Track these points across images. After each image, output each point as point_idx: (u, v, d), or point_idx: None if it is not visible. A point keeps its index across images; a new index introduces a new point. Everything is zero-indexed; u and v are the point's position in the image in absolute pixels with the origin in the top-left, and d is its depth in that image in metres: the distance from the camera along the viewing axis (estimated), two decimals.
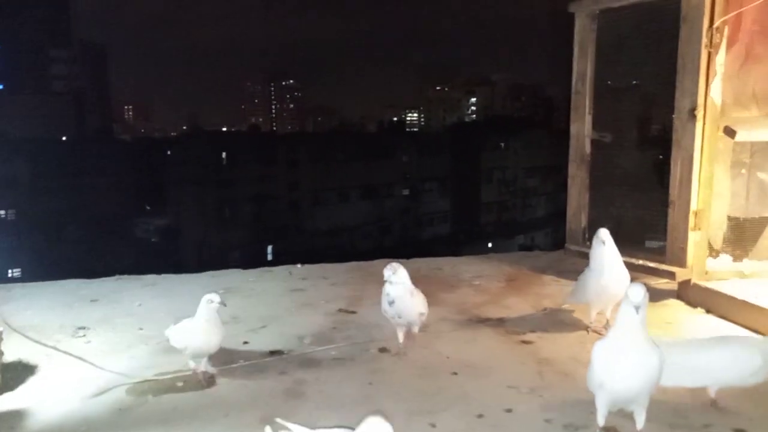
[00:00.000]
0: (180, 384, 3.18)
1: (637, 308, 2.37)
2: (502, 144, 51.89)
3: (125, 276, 5.44)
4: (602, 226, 5.03)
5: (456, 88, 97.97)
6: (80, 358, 3.42)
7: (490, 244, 42.83)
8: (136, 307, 4.52)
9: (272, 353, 3.54)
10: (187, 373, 3.28)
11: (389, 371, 3.30)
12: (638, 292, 2.40)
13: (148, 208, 42.52)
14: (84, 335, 3.94)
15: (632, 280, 3.47)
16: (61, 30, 66.77)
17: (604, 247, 3.72)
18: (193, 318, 3.27)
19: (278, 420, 2.17)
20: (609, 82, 5.00)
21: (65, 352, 3.51)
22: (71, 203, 35.70)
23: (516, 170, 52.20)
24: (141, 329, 4.03)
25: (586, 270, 3.88)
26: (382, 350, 3.57)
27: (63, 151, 39.88)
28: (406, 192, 46.49)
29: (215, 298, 3.23)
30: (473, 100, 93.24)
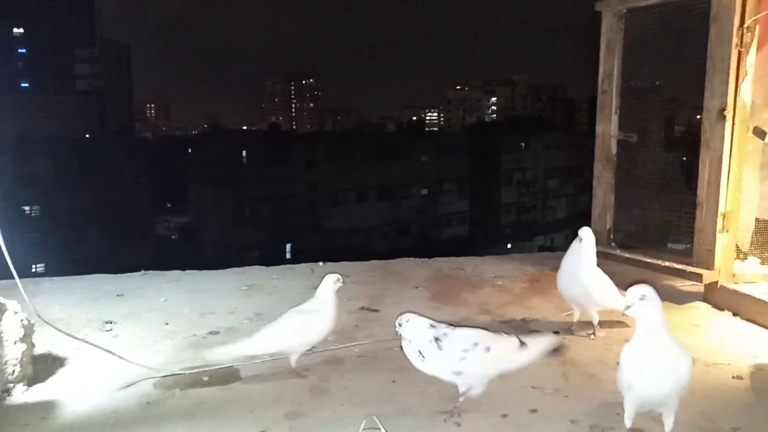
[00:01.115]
0: (206, 378, 3.21)
1: (626, 308, 2.38)
2: (522, 145, 51.62)
3: (150, 272, 5.51)
4: (628, 227, 5.03)
5: (476, 87, 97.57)
6: (109, 351, 3.47)
7: (509, 245, 42.62)
8: (161, 303, 4.57)
9: None
10: (213, 368, 3.31)
11: (413, 370, 3.26)
12: (631, 293, 2.38)
13: (169, 205, 42.97)
14: (111, 329, 4.00)
15: (657, 282, 3.44)
16: (85, 30, 67.66)
17: (580, 245, 3.66)
18: (312, 302, 3.23)
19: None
20: (635, 83, 4.95)
21: (94, 345, 3.56)
22: (93, 200, 36.19)
23: (536, 171, 51.90)
24: (167, 324, 4.08)
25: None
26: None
27: (86, 149, 40.44)
28: (424, 192, 46.42)
29: (339, 277, 3.24)
30: (493, 100, 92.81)
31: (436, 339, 2.69)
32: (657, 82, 5.00)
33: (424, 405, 2.92)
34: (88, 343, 3.49)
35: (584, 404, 2.91)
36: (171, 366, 3.36)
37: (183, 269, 5.58)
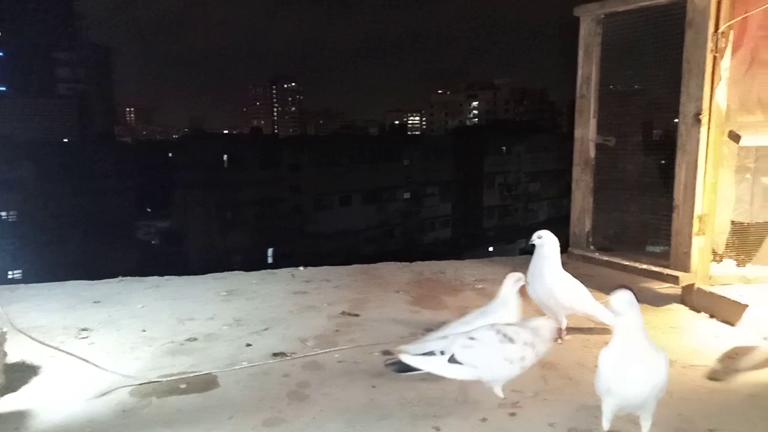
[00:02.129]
0: (183, 386, 3.17)
1: (617, 314, 2.36)
2: (505, 148, 51.90)
3: (128, 278, 5.44)
4: (606, 230, 5.07)
5: (459, 91, 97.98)
6: (84, 360, 3.42)
7: (491, 248, 42.78)
8: (140, 309, 4.52)
9: (275, 356, 3.54)
10: (191, 374, 3.27)
11: (393, 375, 3.26)
12: (620, 299, 2.35)
13: (149, 210, 42.57)
14: (87, 336, 3.94)
15: (635, 284, 3.46)
16: (66, 33, 66.91)
17: (542, 249, 3.63)
18: (496, 303, 3.18)
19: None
20: (616, 87, 4.99)
21: (69, 353, 3.50)
22: (74, 205, 35.72)
23: (518, 175, 52.22)
24: (144, 331, 4.03)
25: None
26: (386, 353, 3.56)
27: (66, 154, 39.93)
28: (407, 196, 46.49)
29: (522, 276, 3.19)
30: (475, 104, 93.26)
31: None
32: (636, 86, 5.06)
33: (405, 410, 2.91)
34: (62, 351, 3.44)
35: (563, 407, 2.92)
36: (148, 373, 3.32)
37: (165, 275, 5.53)
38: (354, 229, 42.00)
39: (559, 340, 3.67)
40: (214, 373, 3.31)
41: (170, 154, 42.88)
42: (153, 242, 41.30)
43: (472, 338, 2.81)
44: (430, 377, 3.24)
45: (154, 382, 3.22)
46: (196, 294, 4.86)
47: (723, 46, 4.10)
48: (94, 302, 4.71)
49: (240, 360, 3.47)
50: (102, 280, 5.37)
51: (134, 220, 41.29)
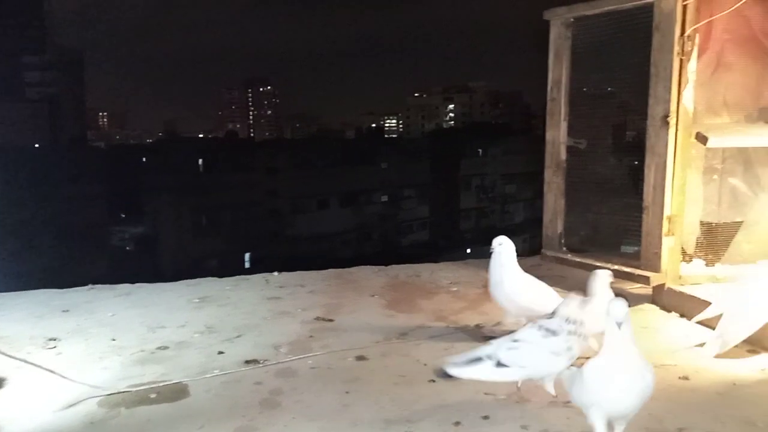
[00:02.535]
0: (153, 396, 3.12)
1: (619, 324, 2.30)
2: (481, 151, 52.22)
3: (98, 286, 5.34)
4: (578, 231, 5.12)
5: (434, 95, 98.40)
6: (51, 371, 3.34)
7: (468, 250, 42.98)
8: (110, 318, 4.44)
9: (248, 363, 3.50)
10: (161, 384, 3.22)
11: (367, 380, 3.28)
12: (621, 309, 2.30)
13: (123, 216, 41.95)
14: (55, 347, 3.86)
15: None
16: (36, 36, 65.72)
17: (499, 256, 3.69)
18: (588, 300, 3.15)
19: None
20: (584, 89, 5.05)
21: (35, 365, 3.43)
22: (44, 211, 35.05)
23: (494, 177, 52.54)
24: (114, 340, 3.96)
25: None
26: (360, 358, 3.55)
27: (36, 159, 39.18)
28: (385, 199, 46.52)
29: (611, 273, 3.27)
30: (451, 107, 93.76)
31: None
32: (609, 89, 5.11)
33: (378, 415, 2.90)
34: (28, 362, 3.36)
35: (536, 409, 2.93)
36: (117, 383, 3.26)
37: (140, 281, 5.45)
38: (331, 232, 41.86)
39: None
40: (184, 381, 3.26)
41: (144, 159, 42.34)
42: (127, 248, 40.69)
43: (515, 340, 2.84)
44: (404, 381, 3.25)
45: (123, 392, 3.16)
46: (168, 301, 4.79)
47: (689, 49, 4.17)
48: (63, 311, 4.61)
49: (211, 368, 3.42)
50: (71, 288, 5.26)
51: (107, 225, 40.65)
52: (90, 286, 5.34)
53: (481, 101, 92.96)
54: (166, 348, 3.79)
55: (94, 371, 3.45)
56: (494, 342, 2.91)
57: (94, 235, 37.23)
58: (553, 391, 2.88)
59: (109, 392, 3.15)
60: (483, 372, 2.78)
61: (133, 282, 5.45)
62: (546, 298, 3.65)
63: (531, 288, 3.71)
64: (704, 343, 3.65)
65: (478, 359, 2.79)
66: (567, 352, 2.79)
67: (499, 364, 2.76)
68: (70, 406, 3.02)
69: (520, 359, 2.80)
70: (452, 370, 2.77)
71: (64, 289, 5.23)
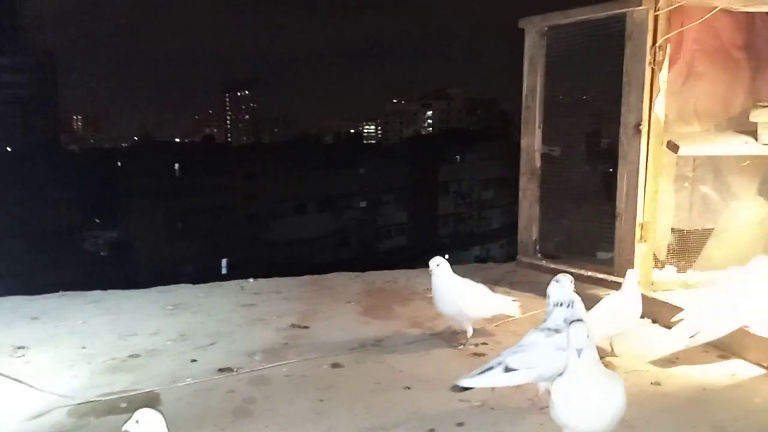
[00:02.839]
0: (123, 405, 3.06)
1: (579, 352, 2.24)
2: (458, 157, 52.50)
3: (69, 292, 5.25)
4: (553, 238, 5.17)
5: (413, 101, 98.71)
6: (18, 380, 3.27)
7: (446, 256, 43.09)
8: (80, 325, 4.36)
9: (221, 371, 3.45)
10: (132, 393, 3.17)
11: (341, 387, 3.26)
12: (581, 335, 2.24)
13: (97, 221, 41.32)
14: (23, 355, 3.78)
15: (581, 291, 3.51)
16: (8, 37, 64.58)
17: (439, 276, 3.80)
18: (618, 295, 3.59)
19: None
20: (561, 97, 5.11)
21: (2, 374, 3.35)
22: (15, 216, 34.39)
23: (472, 183, 52.83)
24: (84, 348, 3.88)
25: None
26: (335, 366, 3.53)
27: (8, 163, 38.46)
28: (363, 204, 46.50)
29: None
30: (429, 113, 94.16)
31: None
32: (583, 97, 5.18)
33: (352, 423, 2.88)
34: None
35: (509, 415, 2.94)
36: (86, 392, 3.20)
37: (114, 287, 5.36)
38: (310, 237, 41.68)
39: (461, 347, 3.82)
40: (156, 390, 3.21)
41: (119, 163, 41.79)
42: (101, 254, 40.05)
43: (519, 345, 2.90)
44: (379, 389, 3.24)
45: (92, 401, 3.11)
46: (140, 308, 4.72)
47: (661, 59, 4.25)
48: (32, 318, 4.52)
49: (183, 376, 3.38)
50: (41, 295, 5.16)
51: (81, 230, 40.01)
52: (60, 292, 5.24)
53: (459, 108, 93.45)
54: (137, 356, 3.73)
55: (62, 380, 3.38)
56: (502, 352, 2.95)
57: (67, 241, 36.63)
58: None
59: (78, 401, 3.09)
60: (494, 379, 2.82)
61: (105, 288, 5.37)
62: (490, 303, 3.90)
63: (476, 296, 3.87)
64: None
65: (489, 368, 2.85)
66: None
67: (508, 369, 2.80)
68: (38, 416, 2.96)
69: (528, 361, 2.84)
70: (465, 382, 2.82)
71: (34, 296, 5.13)
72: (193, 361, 3.62)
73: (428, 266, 3.92)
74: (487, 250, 47.48)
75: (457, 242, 48.52)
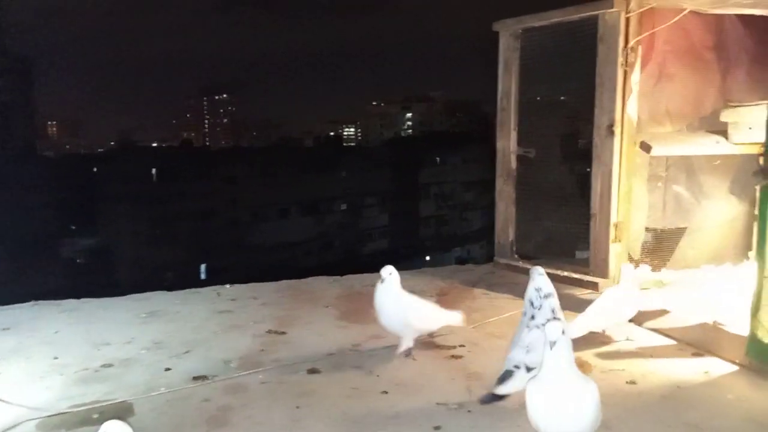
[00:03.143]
0: (96, 416, 3.01)
1: (552, 344, 2.28)
2: (439, 159, 52.69)
3: (42, 302, 5.15)
4: (530, 239, 5.19)
5: (393, 103, 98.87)
6: None
7: (428, 258, 43.21)
8: (53, 335, 4.28)
9: (196, 379, 3.41)
10: (105, 403, 3.11)
11: (318, 393, 3.24)
12: (556, 329, 2.30)
13: (74, 227, 40.72)
14: None
15: (558, 291, 3.52)
16: None
17: (389, 285, 3.64)
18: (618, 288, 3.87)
19: None
20: (539, 98, 5.14)
21: None
22: None
23: (453, 185, 53.04)
24: (56, 358, 3.81)
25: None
26: (312, 372, 3.50)
27: None
28: (345, 207, 46.44)
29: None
30: (409, 115, 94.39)
31: None
32: (555, 99, 5.21)
33: (329, 429, 2.86)
34: None
35: (487, 418, 2.93)
36: (58, 404, 3.14)
37: (92, 295, 5.28)
38: (291, 241, 41.51)
39: (414, 358, 3.67)
40: (129, 400, 3.15)
41: (95, 169, 41.25)
42: (78, 261, 39.48)
43: (523, 345, 2.95)
44: (356, 394, 3.22)
45: (64, 413, 3.04)
46: (114, 317, 4.65)
47: (633, 60, 4.30)
48: (3, 329, 4.42)
49: (158, 386, 3.32)
50: (13, 305, 5.05)
51: (57, 238, 39.41)
52: (33, 302, 5.14)
53: (439, 110, 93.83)
54: (110, 366, 3.67)
55: (34, 392, 3.31)
56: (511, 357, 2.97)
57: (42, 249, 36.05)
58: None
59: (49, 413, 3.03)
60: (521, 381, 2.81)
61: (81, 297, 5.28)
62: (435, 316, 3.79)
63: (422, 309, 3.76)
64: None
65: (510, 373, 2.91)
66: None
67: (529, 369, 2.84)
68: (7, 429, 2.89)
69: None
70: (500, 390, 2.88)
71: (6, 306, 5.02)
72: (168, 369, 3.57)
73: (408, 269, 3.90)
74: (468, 251, 47.74)
75: (438, 244, 48.69)
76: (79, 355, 3.85)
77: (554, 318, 2.86)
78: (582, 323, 3.72)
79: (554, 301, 3.01)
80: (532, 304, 3.01)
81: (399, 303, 3.66)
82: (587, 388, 2.35)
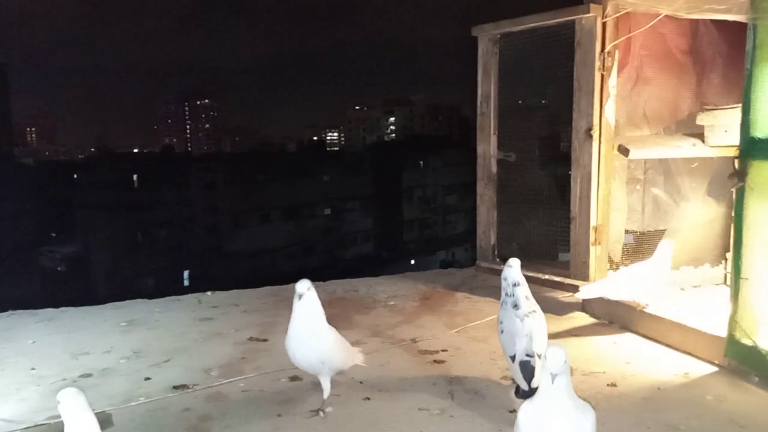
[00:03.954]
0: None
1: (553, 377, 2.04)
2: (422, 162, 52.83)
3: (19, 311, 5.07)
4: (511, 242, 5.21)
5: (375, 108, 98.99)
6: None
7: (412, 261, 43.27)
8: (30, 345, 4.21)
9: (176, 388, 3.37)
10: None
11: (300, 402, 3.21)
12: (558, 359, 2.05)
13: (53, 235, 40.18)
14: None
15: (539, 294, 3.54)
16: None
17: (309, 305, 2.99)
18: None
19: None
20: (520, 101, 5.16)
21: None
22: None
23: (435, 188, 53.21)
24: (33, 369, 3.75)
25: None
26: (293, 379, 3.48)
27: None
28: (328, 212, 46.34)
29: None
30: (392, 119, 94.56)
31: None
32: (537, 102, 5.24)
33: None
34: None
35: (468, 423, 2.94)
36: (34, 416, 3.08)
37: (71, 304, 5.20)
38: (274, 247, 41.33)
39: (322, 413, 3.02)
40: (108, 411, 3.10)
41: (75, 176, 40.75)
42: (58, 269, 38.95)
43: (527, 335, 2.92)
44: (338, 401, 3.20)
45: (40, 425, 2.99)
46: (94, 326, 4.59)
47: (610, 64, 4.33)
48: None
49: (137, 395, 3.28)
50: None
51: (36, 246, 38.86)
52: (10, 311, 5.06)
53: (422, 114, 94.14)
54: (89, 375, 3.61)
55: (9, 404, 3.25)
56: (516, 349, 2.93)
57: (20, 257, 35.51)
58: None
59: (24, 426, 2.98)
60: (539, 368, 2.81)
61: (59, 306, 5.21)
62: (353, 353, 3.24)
63: (343, 343, 3.17)
64: None
65: (528, 363, 2.86)
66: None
67: (533, 355, 2.87)
68: None
69: (543, 338, 2.96)
70: (533, 384, 2.81)
71: None
72: (147, 379, 3.53)
73: (392, 273, 3.84)
74: (453, 254, 47.87)
75: (422, 247, 48.78)
76: (57, 366, 3.79)
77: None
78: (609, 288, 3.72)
79: (525, 290, 3.04)
80: (506, 293, 3.05)
81: (317, 329, 3.01)
82: (585, 415, 2.14)
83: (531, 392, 2.70)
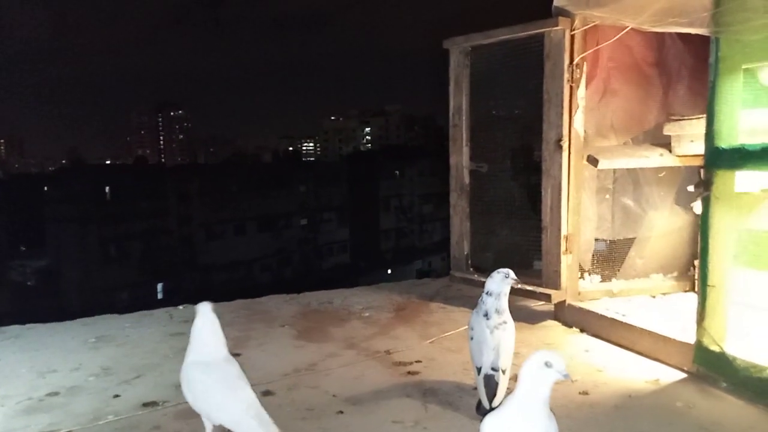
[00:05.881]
0: None
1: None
2: (398, 172, 53.02)
3: None
4: (485, 252, 5.24)
5: (351, 118, 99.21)
6: None
7: (389, 271, 43.27)
8: None
9: (146, 406, 3.31)
10: None
11: (272, 416, 3.16)
12: (562, 360, 2.04)
13: (23, 249, 39.37)
14: None
15: (512, 303, 3.55)
16: None
17: (203, 328, 2.84)
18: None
19: None
20: (494, 112, 5.20)
21: None
22: None
23: (412, 197, 53.42)
24: None
25: None
26: (266, 393, 3.44)
27: None
28: (304, 222, 46.18)
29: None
30: (368, 130, 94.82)
31: None
32: (510, 113, 5.29)
33: None
34: None
35: None
36: None
37: (42, 319, 5.08)
38: (249, 258, 41.03)
39: None
40: (75, 430, 3.04)
41: (45, 188, 40.02)
42: (28, 284, 38.13)
43: (490, 346, 2.95)
44: (311, 415, 3.18)
45: None
46: (61, 343, 4.49)
47: (578, 76, 4.40)
48: None
49: (105, 414, 3.22)
50: None
51: (4, 260, 38.02)
52: None
53: (397, 124, 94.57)
54: (56, 394, 3.53)
55: None
56: (483, 361, 2.94)
57: None
58: None
59: None
60: (503, 385, 2.90)
61: (26, 322, 5.08)
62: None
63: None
64: None
65: (492, 378, 2.89)
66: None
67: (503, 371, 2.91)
68: None
69: (509, 353, 2.99)
70: (494, 404, 2.85)
71: None
72: (116, 396, 3.46)
73: (367, 284, 3.80)
74: (429, 263, 47.99)
75: (399, 257, 48.82)
76: (23, 385, 3.70)
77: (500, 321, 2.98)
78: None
79: (498, 303, 3.02)
80: (481, 300, 3.07)
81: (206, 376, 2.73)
82: (550, 424, 2.05)
83: (491, 411, 2.63)
